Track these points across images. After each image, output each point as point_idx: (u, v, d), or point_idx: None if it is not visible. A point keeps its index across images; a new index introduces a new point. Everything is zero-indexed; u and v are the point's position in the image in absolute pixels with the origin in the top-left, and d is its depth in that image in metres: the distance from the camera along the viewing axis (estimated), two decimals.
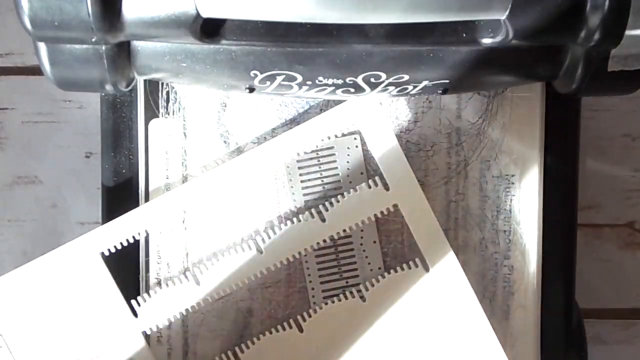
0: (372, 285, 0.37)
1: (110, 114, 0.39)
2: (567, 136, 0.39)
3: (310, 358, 0.37)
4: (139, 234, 0.37)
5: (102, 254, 0.37)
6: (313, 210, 0.37)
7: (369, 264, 0.38)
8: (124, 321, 0.37)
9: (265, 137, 0.38)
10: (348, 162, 0.38)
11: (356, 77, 0.31)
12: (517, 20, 0.28)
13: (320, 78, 0.31)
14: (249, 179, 0.37)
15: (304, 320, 0.37)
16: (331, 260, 0.38)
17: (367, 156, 0.38)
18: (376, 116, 0.37)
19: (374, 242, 0.38)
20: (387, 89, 0.32)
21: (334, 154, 0.38)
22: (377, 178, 0.37)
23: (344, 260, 0.38)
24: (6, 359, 0.36)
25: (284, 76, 0.31)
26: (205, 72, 0.31)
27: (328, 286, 0.38)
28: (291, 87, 0.32)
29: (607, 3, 0.28)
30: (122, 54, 0.31)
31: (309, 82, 0.31)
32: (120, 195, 0.39)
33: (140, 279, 0.38)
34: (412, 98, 0.38)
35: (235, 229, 0.38)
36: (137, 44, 0.31)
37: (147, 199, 0.38)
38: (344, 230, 0.37)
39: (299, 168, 0.37)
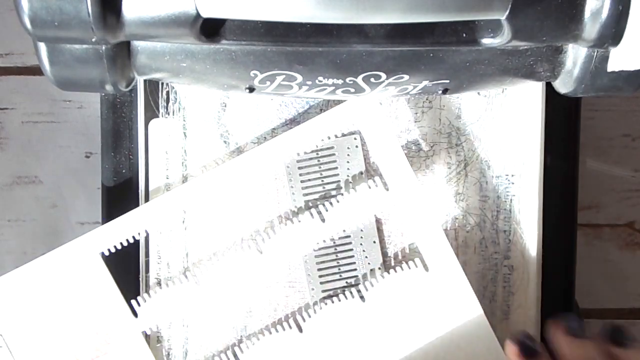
0: (372, 285, 0.37)
1: (110, 114, 0.39)
2: (567, 136, 0.39)
3: (310, 358, 0.37)
4: (139, 234, 0.37)
5: (102, 254, 0.37)
6: (313, 211, 0.37)
7: (368, 264, 0.38)
8: (124, 321, 0.37)
9: (265, 137, 0.38)
10: (348, 162, 0.38)
11: (356, 77, 0.31)
12: (517, 20, 0.28)
13: (320, 78, 0.31)
14: (249, 179, 0.37)
15: (304, 320, 0.37)
16: (331, 260, 0.38)
17: (367, 156, 0.38)
18: (376, 116, 0.37)
19: (374, 242, 0.38)
20: (387, 89, 0.32)
21: (334, 154, 0.38)
22: (377, 178, 0.37)
23: (343, 260, 0.38)
24: (6, 359, 0.36)
25: (284, 76, 0.31)
26: (205, 72, 0.31)
27: (328, 286, 0.38)
28: (291, 87, 0.32)
29: (607, 3, 0.28)
30: (122, 54, 0.31)
31: (309, 82, 0.31)
32: (120, 195, 0.39)
33: (140, 279, 0.38)
34: (412, 98, 0.38)
35: (235, 229, 0.38)
36: (137, 44, 0.31)
37: (147, 199, 0.38)
38: (344, 230, 0.37)
39: (299, 168, 0.37)
